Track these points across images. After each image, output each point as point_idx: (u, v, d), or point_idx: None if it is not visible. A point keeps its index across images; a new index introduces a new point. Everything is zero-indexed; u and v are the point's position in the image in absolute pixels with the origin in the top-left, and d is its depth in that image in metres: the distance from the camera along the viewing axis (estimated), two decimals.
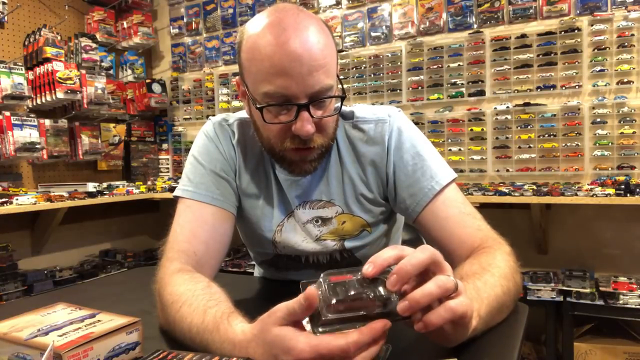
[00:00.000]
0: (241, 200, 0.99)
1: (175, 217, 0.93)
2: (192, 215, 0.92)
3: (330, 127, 0.87)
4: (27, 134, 2.66)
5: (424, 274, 0.55)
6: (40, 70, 2.78)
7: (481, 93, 2.65)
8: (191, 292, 0.73)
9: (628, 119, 2.33)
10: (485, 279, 0.69)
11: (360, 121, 0.97)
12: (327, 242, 1.00)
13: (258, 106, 0.81)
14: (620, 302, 2.11)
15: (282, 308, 0.54)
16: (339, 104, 0.86)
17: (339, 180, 0.97)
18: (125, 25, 3.42)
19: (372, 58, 2.93)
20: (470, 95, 2.68)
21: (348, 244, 1.00)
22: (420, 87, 2.80)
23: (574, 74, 2.44)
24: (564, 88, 2.46)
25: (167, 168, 3.69)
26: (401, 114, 0.98)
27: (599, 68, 2.38)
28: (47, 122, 2.85)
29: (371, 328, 0.51)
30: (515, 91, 2.57)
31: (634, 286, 2.11)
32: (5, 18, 2.80)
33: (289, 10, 0.81)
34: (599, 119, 2.38)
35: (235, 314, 0.64)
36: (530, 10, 2.53)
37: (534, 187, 2.29)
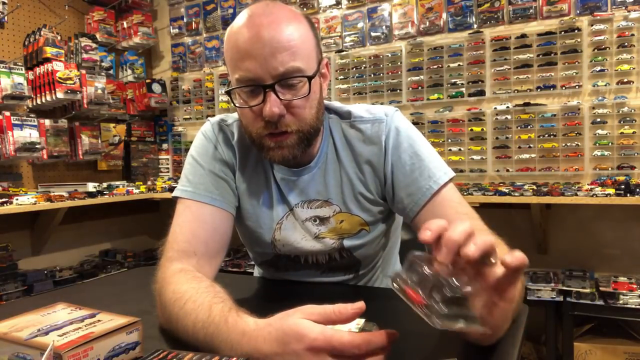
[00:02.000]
0: (240, 200, 1.00)
1: (174, 217, 0.93)
2: (191, 215, 0.92)
3: (306, 112, 0.85)
4: (27, 134, 2.66)
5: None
6: (40, 70, 2.78)
7: (481, 93, 2.65)
8: (195, 290, 0.73)
9: (628, 119, 2.33)
10: None
11: (357, 120, 0.97)
12: (326, 240, 1.00)
13: (225, 90, 0.85)
14: (620, 302, 2.11)
15: (317, 307, 0.56)
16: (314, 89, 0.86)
17: (336, 180, 0.97)
18: (125, 25, 3.42)
19: (372, 58, 2.93)
20: (470, 95, 2.68)
21: (347, 243, 1.00)
22: (420, 87, 2.80)
23: (574, 74, 2.44)
24: (564, 88, 2.46)
25: (167, 168, 3.69)
26: (398, 113, 0.98)
27: (599, 68, 2.38)
28: (47, 122, 2.85)
29: (382, 333, 0.53)
30: (515, 91, 2.57)
31: (634, 286, 2.11)
32: (5, 18, 2.80)
33: (263, 2, 0.85)
34: (599, 119, 2.38)
35: (243, 310, 0.65)
36: (530, 10, 2.53)
37: (534, 187, 2.29)
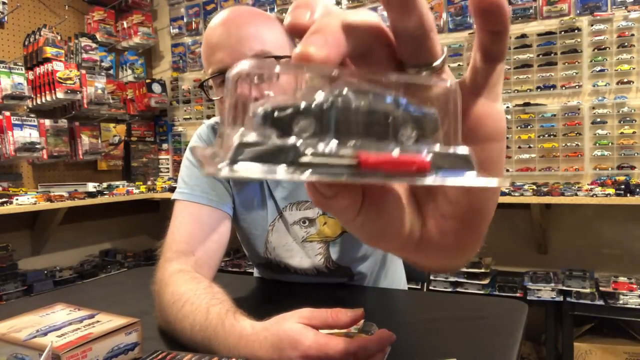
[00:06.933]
0: (235, 202, 1.00)
1: (172, 219, 0.93)
2: (189, 216, 0.92)
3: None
4: (27, 134, 2.66)
5: None
6: (40, 70, 2.78)
7: None
8: (193, 292, 0.73)
9: (628, 119, 2.33)
10: None
11: None
12: (314, 244, 0.99)
13: (198, 83, 0.90)
14: (620, 302, 2.11)
15: (315, 311, 0.56)
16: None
17: None
18: (125, 25, 3.42)
19: None
20: None
21: (332, 252, 0.99)
22: None
23: (574, 74, 2.44)
24: (564, 88, 2.46)
25: (167, 168, 3.69)
26: None
27: (599, 68, 2.38)
28: (47, 122, 2.85)
29: (379, 337, 0.52)
30: (515, 91, 2.57)
31: (634, 286, 2.11)
32: (5, 18, 2.80)
33: (234, 7, 0.90)
34: (599, 119, 2.38)
35: (240, 312, 0.65)
36: (530, 10, 2.53)
37: (534, 187, 2.29)
